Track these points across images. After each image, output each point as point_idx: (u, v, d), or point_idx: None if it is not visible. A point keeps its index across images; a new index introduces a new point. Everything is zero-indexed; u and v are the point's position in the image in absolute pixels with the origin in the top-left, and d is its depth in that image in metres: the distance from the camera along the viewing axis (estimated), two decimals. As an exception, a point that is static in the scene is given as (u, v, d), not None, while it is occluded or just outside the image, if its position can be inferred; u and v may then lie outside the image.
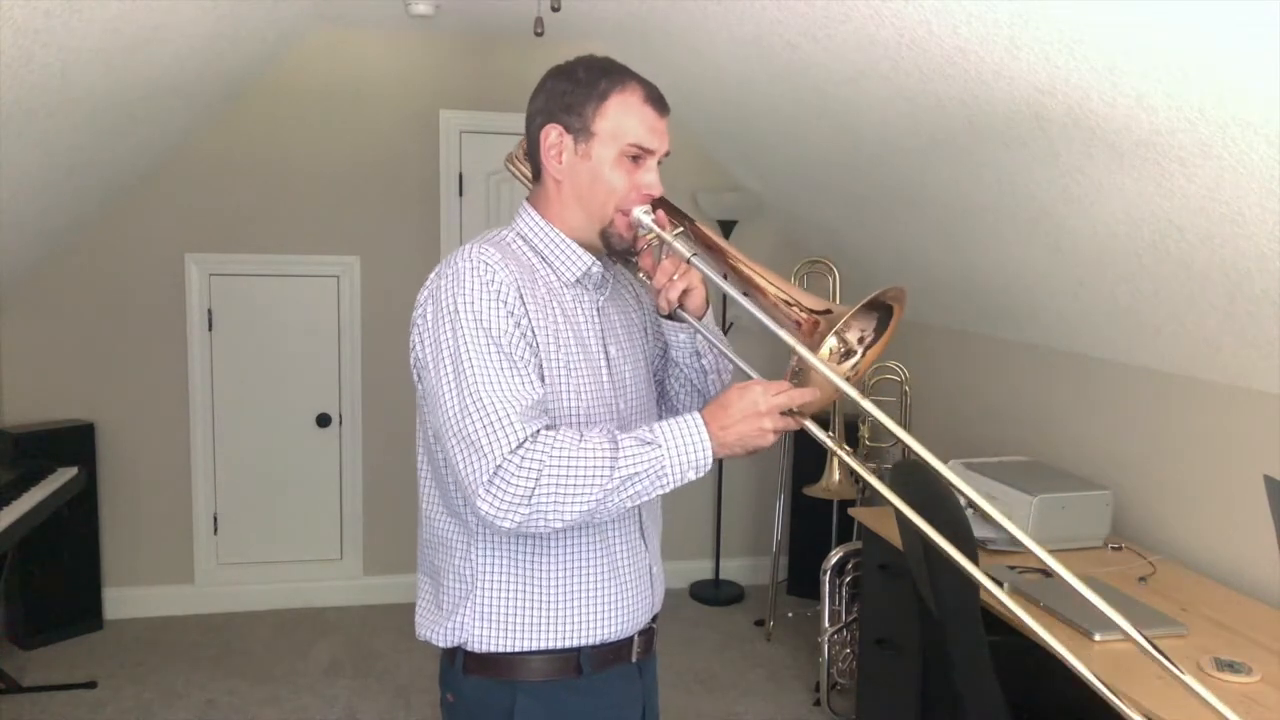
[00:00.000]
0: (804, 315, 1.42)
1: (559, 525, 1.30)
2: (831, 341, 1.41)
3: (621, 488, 1.29)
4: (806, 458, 4.15)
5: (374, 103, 4.08)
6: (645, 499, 1.33)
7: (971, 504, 1.28)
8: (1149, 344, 2.70)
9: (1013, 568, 2.43)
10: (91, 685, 3.47)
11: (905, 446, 3.65)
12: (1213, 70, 1.70)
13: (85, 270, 3.92)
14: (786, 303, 1.45)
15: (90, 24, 2.24)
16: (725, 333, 4.21)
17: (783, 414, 1.33)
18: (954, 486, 1.29)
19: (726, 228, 4.24)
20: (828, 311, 1.42)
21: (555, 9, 2.73)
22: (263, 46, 3.63)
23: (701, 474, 1.33)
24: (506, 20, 3.72)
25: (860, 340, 1.44)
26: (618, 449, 1.29)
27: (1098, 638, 2.07)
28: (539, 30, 2.92)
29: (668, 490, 1.33)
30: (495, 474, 1.28)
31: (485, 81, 4.08)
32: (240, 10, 2.97)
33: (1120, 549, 2.66)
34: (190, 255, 4.01)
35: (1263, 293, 2.16)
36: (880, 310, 1.44)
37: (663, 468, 1.30)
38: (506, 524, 1.29)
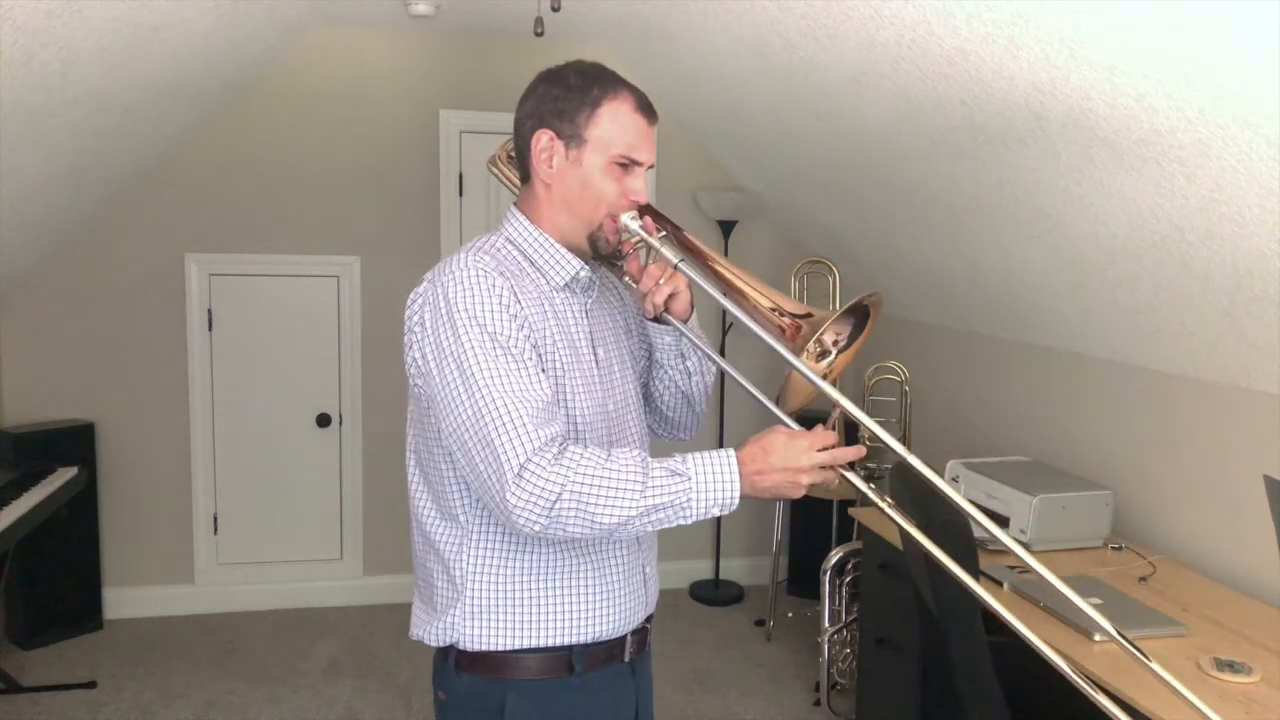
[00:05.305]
0: (787, 321, 1.46)
1: (578, 536, 1.32)
2: (809, 344, 1.45)
3: (645, 515, 1.30)
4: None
5: (374, 103, 4.08)
6: (666, 526, 1.33)
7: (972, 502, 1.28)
8: (1149, 344, 2.70)
9: (1013, 568, 2.43)
10: (91, 685, 3.47)
11: (906, 444, 3.65)
12: (1213, 70, 1.70)
13: (85, 270, 3.92)
14: (771, 309, 1.48)
15: (90, 24, 2.24)
16: (724, 330, 4.21)
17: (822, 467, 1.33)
18: (941, 490, 1.30)
19: (726, 228, 4.24)
20: (809, 315, 1.46)
21: (555, 9, 2.73)
22: (263, 46, 3.63)
23: (726, 512, 1.32)
24: (506, 20, 3.72)
25: (834, 343, 1.48)
26: (647, 477, 1.30)
27: (1098, 638, 2.07)
28: (539, 30, 2.92)
29: (689, 523, 1.33)
30: (521, 471, 1.27)
31: (485, 81, 4.08)
32: (240, 10, 2.97)
33: (1120, 549, 2.65)
34: (190, 255, 4.01)
35: (1263, 293, 2.15)
36: (858, 314, 1.47)
37: (688, 500, 1.30)
38: (529, 527, 1.29)
